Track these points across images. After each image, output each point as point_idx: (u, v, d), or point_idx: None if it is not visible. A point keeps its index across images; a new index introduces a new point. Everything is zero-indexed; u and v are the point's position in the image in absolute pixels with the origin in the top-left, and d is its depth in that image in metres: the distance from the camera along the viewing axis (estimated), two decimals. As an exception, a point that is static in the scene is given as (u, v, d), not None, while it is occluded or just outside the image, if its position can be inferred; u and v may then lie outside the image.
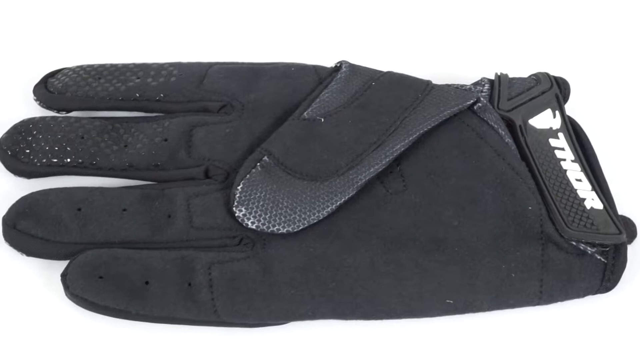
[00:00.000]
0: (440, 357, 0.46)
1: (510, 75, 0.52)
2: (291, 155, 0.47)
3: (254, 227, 0.45)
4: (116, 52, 0.55)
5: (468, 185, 0.47)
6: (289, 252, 0.45)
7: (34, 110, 0.51)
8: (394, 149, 0.48)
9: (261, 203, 0.46)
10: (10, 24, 0.57)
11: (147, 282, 0.44)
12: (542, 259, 0.46)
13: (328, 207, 0.46)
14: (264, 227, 0.45)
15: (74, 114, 0.50)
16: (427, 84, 0.51)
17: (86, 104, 0.50)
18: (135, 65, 0.51)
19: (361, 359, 0.45)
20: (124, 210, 0.46)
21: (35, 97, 0.50)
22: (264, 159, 0.47)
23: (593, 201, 0.48)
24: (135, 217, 0.46)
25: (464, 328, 0.46)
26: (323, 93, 0.50)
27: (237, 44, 0.57)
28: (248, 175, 0.46)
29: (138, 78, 0.51)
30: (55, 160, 0.48)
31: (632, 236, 0.48)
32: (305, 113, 0.49)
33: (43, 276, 0.46)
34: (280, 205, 0.46)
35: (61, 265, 0.44)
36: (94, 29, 0.57)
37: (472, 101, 0.50)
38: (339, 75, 0.51)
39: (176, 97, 0.50)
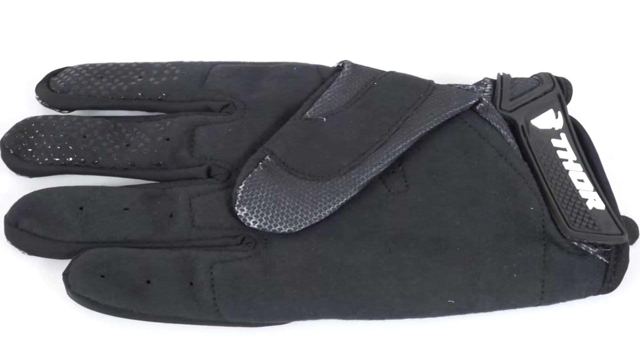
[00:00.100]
0: (441, 358, 0.46)
1: (513, 76, 0.52)
2: (293, 154, 0.47)
3: (255, 226, 0.45)
4: (119, 51, 0.55)
5: (470, 186, 0.47)
6: (291, 252, 0.45)
7: (37, 109, 0.51)
8: (396, 149, 0.48)
9: (263, 202, 0.46)
10: (13, 23, 0.57)
11: (148, 281, 0.44)
12: (544, 260, 0.46)
13: (330, 206, 0.46)
14: (266, 226, 0.45)
15: (76, 113, 0.50)
16: (429, 84, 0.51)
17: (88, 103, 0.50)
18: (138, 65, 0.51)
19: (362, 359, 0.45)
20: (126, 209, 0.46)
21: (37, 96, 0.51)
22: (266, 158, 0.47)
23: (595, 202, 0.48)
24: (137, 216, 0.46)
25: (466, 328, 0.46)
26: (325, 93, 0.50)
27: (239, 43, 0.57)
28: (250, 175, 0.46)
29: (140, 77, 0.51)
30: (57, 159, 0.48)
31: (634, 237, 0.48)
32: (307, 113, 0.49)
33: (45, 275, 0.46)
34: (282, 205, 0.46)
35: (63, 264, 0.44)
36: (96, 28, 0.57)
37: (474, 101, 0.50)
38: (341, 75, 0.51)
39: (178, 97, 0.50)
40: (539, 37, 0.59)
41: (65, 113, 0.50)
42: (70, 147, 0.48)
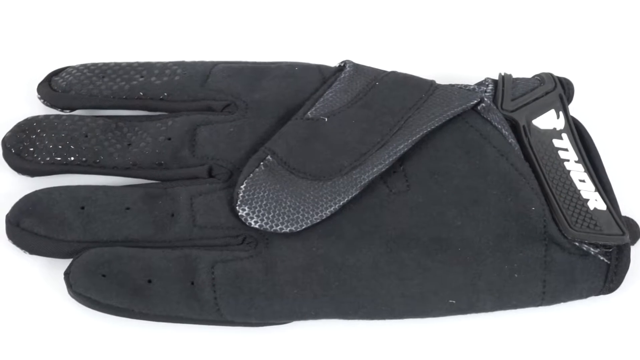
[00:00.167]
0: (442, 358, 0.46)
1: (514, 76, 0.52)
2: (294, 154, 0.47)
3: (257, 226, 0.45)
4: (120, 50, 0.55)
5: (471, 186, 0.47)
6: (292, 252, 0.45)
7: (38, 109, 0.51)
8: (398, 149, 0.48)
9: (264, 202, 0.46)
10: (14, 22, 0.57)
11: (149, 281, 0.44)
12: (545, 260, 0.46)
13: (331, 206, 0.46)
14: (267, 226, 0.45)
15: (77, 112, 0.51)
16: (430, 84, 0.51)
17: (90, 103, 0.50)
18: (139, 64, 0.51)
19: (363, 359, 0.45)
20: (127, 208, 0.46)
21: (39, 96, 0.51)
22: (267, 158, 0.47)
23: (596, 202, 0.48)
24: (138, 215, 0.46)
25: (467, 328, 0.46)
26: (327, 93, 0.50)
27: (241, 43, 0.57)
28: (251, 175, 0.47)
29: (142, 77, 0.51)
30: (58, 158, 0.48)
31: (635, 237, 0.48)
32: (308, 112, 0.49)
33: (46, 274, 0.46)
34: (283, 205, 0.46)
35: (64, 263, 0.44)
36: (98, 28, 0.57)
37: (475, 101, 0.50)
38: (342, 75, 0.51)
39: (180, 96, 0.50)
40: (540, 37, 0.59)
41: (67, 112, 0.50)
42: (71, 147, 0.48)
